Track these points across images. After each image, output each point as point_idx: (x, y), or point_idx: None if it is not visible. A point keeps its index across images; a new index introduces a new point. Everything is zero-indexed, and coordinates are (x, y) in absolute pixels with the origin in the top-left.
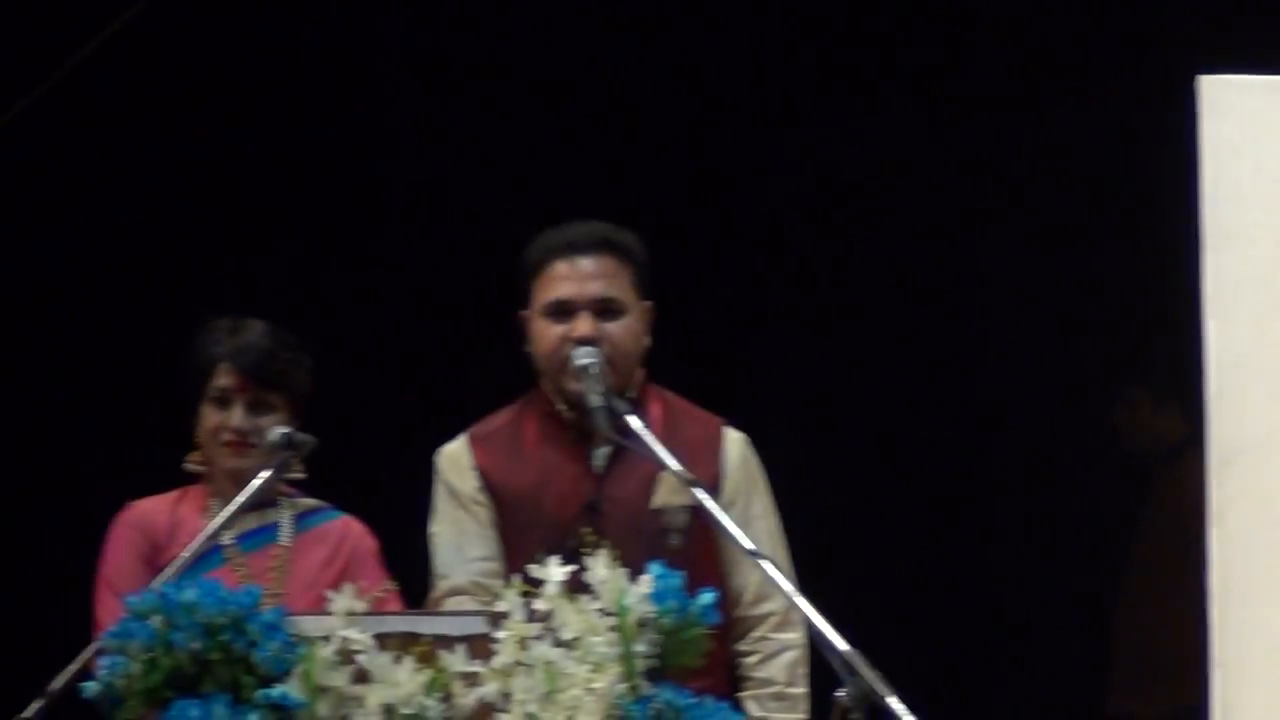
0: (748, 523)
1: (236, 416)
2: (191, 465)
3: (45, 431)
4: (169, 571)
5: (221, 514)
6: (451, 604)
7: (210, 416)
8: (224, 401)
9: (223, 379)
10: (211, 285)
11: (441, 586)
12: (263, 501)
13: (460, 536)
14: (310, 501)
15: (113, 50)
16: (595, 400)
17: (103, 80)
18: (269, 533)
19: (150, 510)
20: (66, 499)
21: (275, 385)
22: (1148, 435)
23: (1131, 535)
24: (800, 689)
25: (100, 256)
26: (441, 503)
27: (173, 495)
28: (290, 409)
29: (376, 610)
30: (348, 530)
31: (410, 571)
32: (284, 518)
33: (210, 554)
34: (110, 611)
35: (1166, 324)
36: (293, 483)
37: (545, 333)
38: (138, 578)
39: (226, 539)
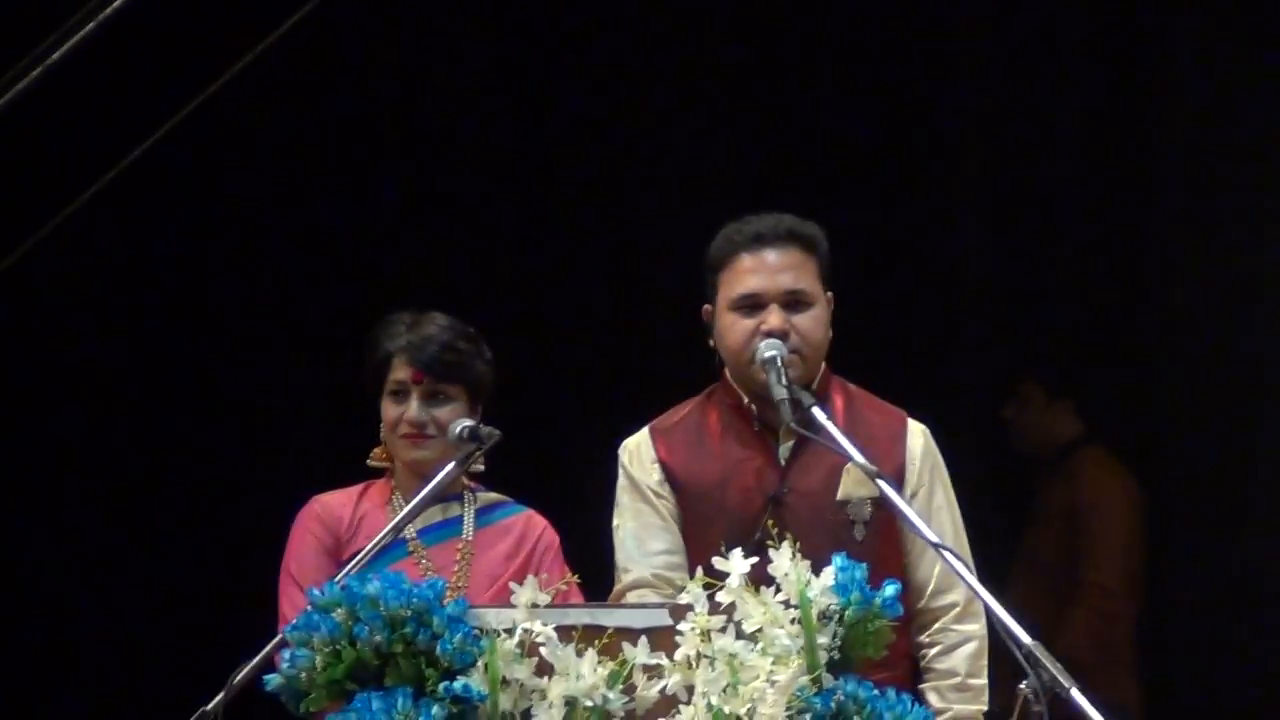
0: (930, 514)
1: (413, 408)
2: (374, 461)
3: (233, 425)
4: (352, 564)
5: (407, 507)
6: (634, 597)
7: (389, 409)
8: (401, 394)
9: (399, 372)
10: (398, 279)
11: (624, 580)
12: (446, 495)
13: (643, 530)
14: (493, 496)
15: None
16: (780, 392)
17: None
18: (452, 526)
19: (334, 504)
20: (251, 493)
21: (451, 377)
22: (1039, 432)
23: (1022, 533)
24: (981, 680)
25: (289, 248)
26: (624, 496)
27: (356, 489)
28: (468, 400)
29: (559, 603)
30: (530, 524)
31: (591, 565)
32: (467, 512)
33: (394, 547)
34: (294, 604)
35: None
36: (475, 476)
37: (734, 326)
38: (321, 571)
39: (409, 532)
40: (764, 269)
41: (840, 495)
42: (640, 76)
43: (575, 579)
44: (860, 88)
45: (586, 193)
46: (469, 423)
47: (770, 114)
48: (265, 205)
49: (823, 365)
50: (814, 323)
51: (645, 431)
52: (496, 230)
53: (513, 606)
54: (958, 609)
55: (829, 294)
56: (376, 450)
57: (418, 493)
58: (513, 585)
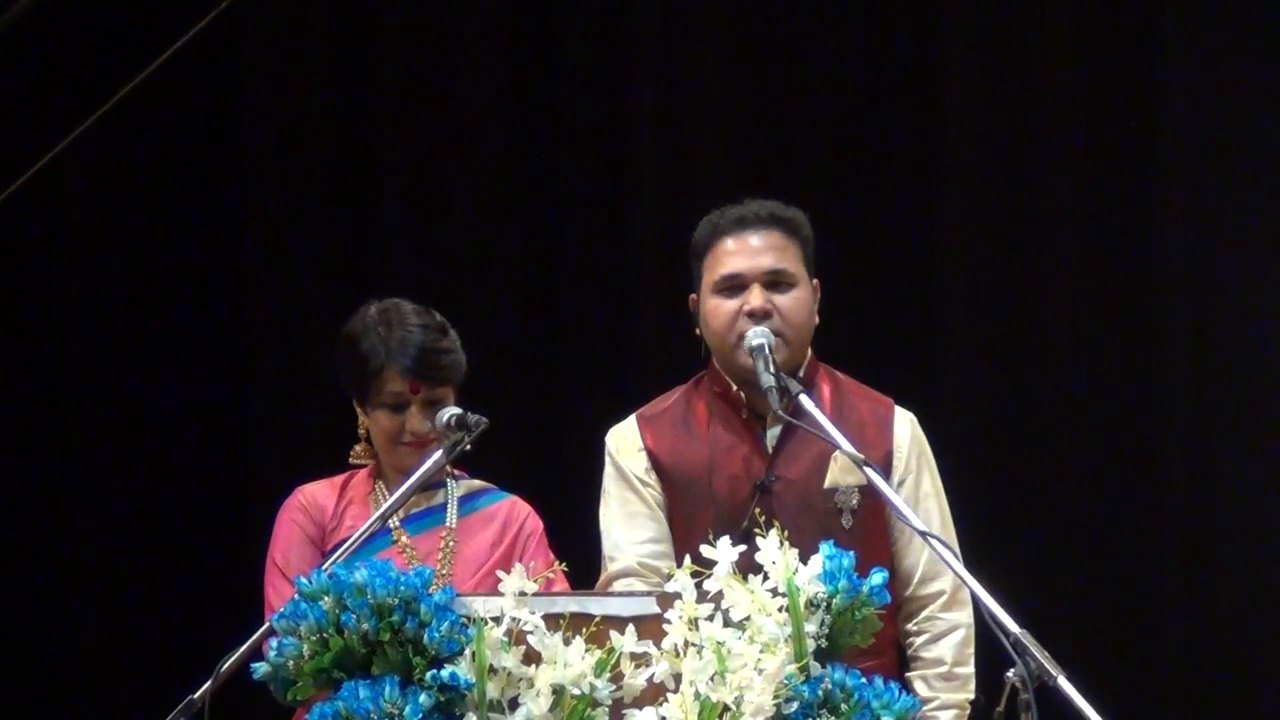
0: (917, 501)
1: (414, 421)
2: (356, 460)
3: (214, 414)
4: (339, 553)
5: (394, 496)
6: (620, 586)
7: (385, 420)
8: (398, 407)
9: (394, 384)
10: (383, 267)
11: (610, 569)
12: (430, 483)
13: (629, 518)
14: (477, 483)
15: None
16: (768, 380)
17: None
18: (436, 514)
19: (317, 494)
20: (235, 482)
21: (445, 381)
22: None
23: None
24: (968, 668)
25: (269, 239)
26: (610, 484)
27: (339, 479)
28: (456, 394)
29: (546, 591)
30: (514, 511)
31: (578, 554)
32: (450, 499)
33: (378, 535)
34: (280, 594)
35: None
36: (458, 463)
37: (717, 309)
38: (306, 561)
39: (394, 521)
40: (746, 250)
41: (828, 483)
42: (628, 70)
43: (563, 567)
44: (848, 71)
45: (574, 183)
46: (456, 411)
47: (757, 104)
48: (257, 198)
49: (809, 352)
50: (796, 303)
51: (632, 420)
52: (484, 219)
53: (499, 594)
54: (945, 597)
55: (815, 280)
56: (357, 448)
57: (401, 481)
58: (500, 574)
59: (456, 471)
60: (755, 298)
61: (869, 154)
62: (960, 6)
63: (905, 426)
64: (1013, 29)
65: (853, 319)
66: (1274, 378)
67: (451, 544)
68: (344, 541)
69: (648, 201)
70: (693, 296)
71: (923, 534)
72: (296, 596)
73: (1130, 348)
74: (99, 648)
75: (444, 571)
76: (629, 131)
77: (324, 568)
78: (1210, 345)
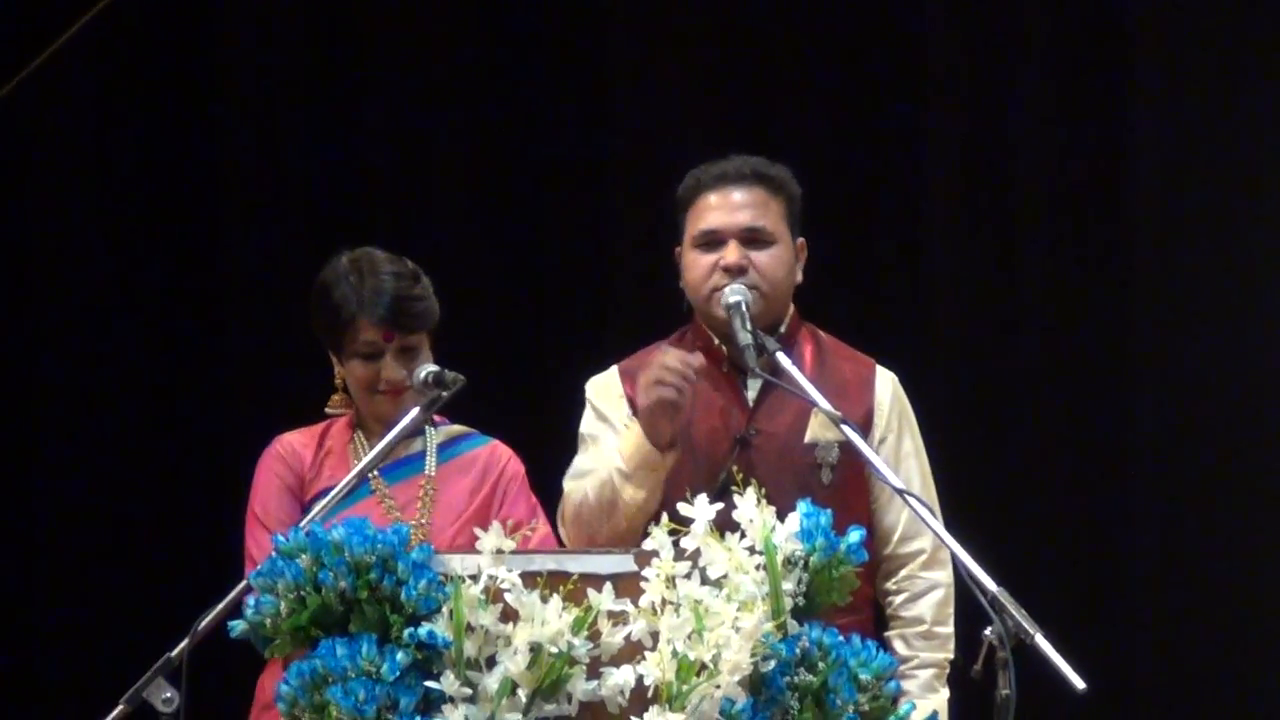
0: (898, 461)
1: (389, 368)
2: (333, 410)
3: (191, 367)
4: (317, 509)
5: (370, 454)
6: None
7: (360, 369)
8: (372, 356)
9: (367, 333)
10: (364, 222)
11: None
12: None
13: (606, 450)
14: (456, 429)
15: None
16: (744, 338)
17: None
18: (415, 463)
19: (296, 443)
20: (212, 436)
21: (418, 328)
22: None
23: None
24: (948, 628)
25: (244, 190)
26: (590, 427)
27: (318, 428)
28: (430, 341)
29: (525, 548)
30: (494, 455)
31: (557, 505)
32: (430, 446)
33: (356, 487)
34: (260, 546)
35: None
36: (441, 410)
37: (695, 262)
38: (286, 511)
39: (372, 473)
40: (725, 206)
41: (808, 438)
42: (608, 31)
43: (542, 518)
44: (834, 37)
45: (555, 137)
46: (433, 368)
47: (740, 62)
48: (233, 151)
49: (791, 309)
50: (774, 261)
51: (614, 370)
52: (463, 171)
53: (478, 551)
54: (924, 556)
55: (800, 239)
56: (334, 398)
57: (381, 431)
58: (477, 530)
59: (437, 418)
60: (731, 254)
61: (854, 116)
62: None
63: (887, 386)
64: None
65: (839, 280)
66: (1242, 332)
67: (431, 491)
68: (324, 493)
69: (627, 156)
70: (677, 249)
71: (900, 492)
72: (274, 553)
73: (1106, 310)
74: (74, 606)
75: (423, 520)
76: (609, 83)
77: (301, 525)
78: (1182, 304)
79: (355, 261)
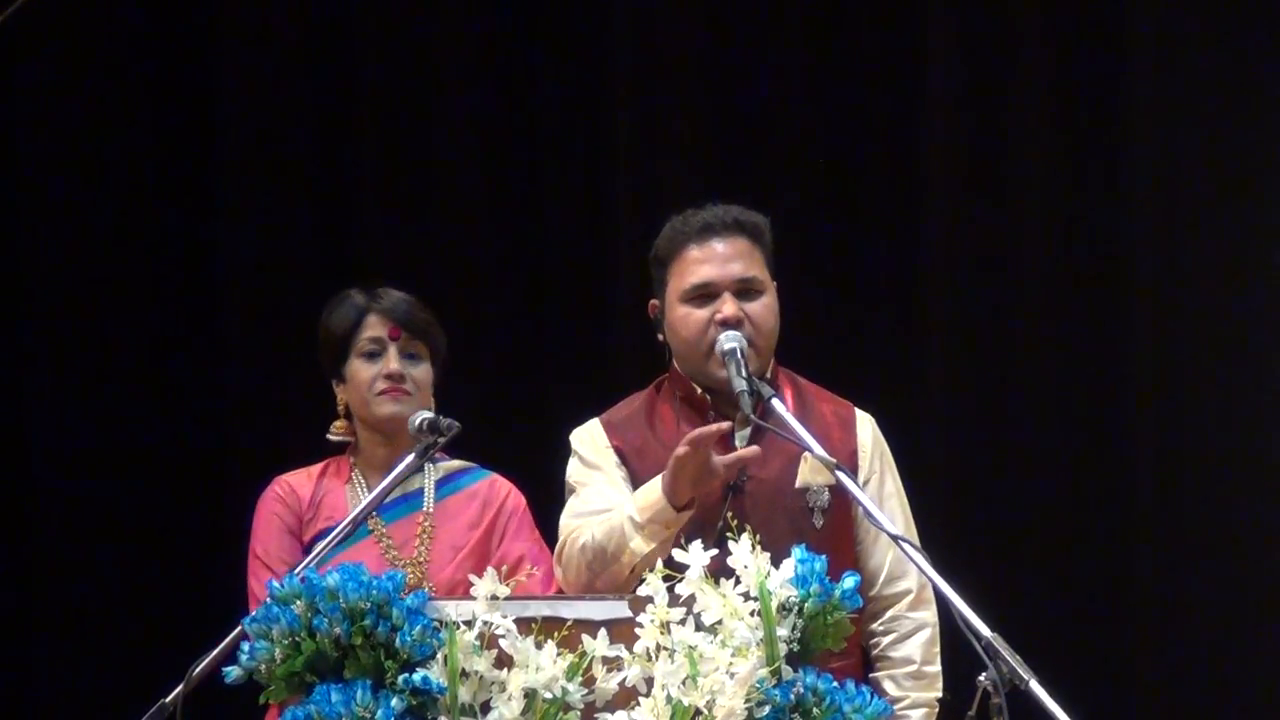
0: (880, 502)
1: (392, 361)
2: (335, 435)
3: (191, 405)
4: (315, 552)
5: (367, 499)
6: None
7: (363, 369)
8: (375, 353)
9: (373, 329)
10: (356, 264)
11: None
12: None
13: (600, 491)
14: (455, 464)
15: None
16: (740, 384)
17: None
18: (413, 500)
19: (295, 483)
20: (210, 480)
21: (423, 335)
22: None
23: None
24: (935, 667)
25: (246, 230)
26: (578, 475)
27: (317, 467)
28: (433, 363)
29: (525, 589)
30: (494, 489)
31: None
32: (427, 483)
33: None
34: (264, 585)
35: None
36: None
37: (687, 318)
38: (287, 551)
39: (372, 512)
40: (714, 258)
41: (799, 483)
42: (607, 73)
43: (536, 571)
44: (827, 73)
45: (553, 185)
46: (429, 414)
47: (734, 108)
48: (236, 191)
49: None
50: (766, 310)
51: (596, 422)
52: (463, 214)
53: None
54: (910, 596)
55: (775, 283)
56: (336, 424)
57: (379, 469)
58: (472, 578)
59: (435, 453)
60: (728, 307)
61: (847, 157)
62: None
63: (867, 428)
64: (991, 25)
65: (829, 325)
66: (1240, 380)
67: (430, 528)
68: (324, 534)
69: (625, 202)
70: (654, 302)
71: (894, 538)
72: (269, 599)
73: (1101, 356)
74: (70, 648)
75: (421, 558)
76: (608, 133)
77: (297, 571)
78: (1177, 350)
79: (365, 286)
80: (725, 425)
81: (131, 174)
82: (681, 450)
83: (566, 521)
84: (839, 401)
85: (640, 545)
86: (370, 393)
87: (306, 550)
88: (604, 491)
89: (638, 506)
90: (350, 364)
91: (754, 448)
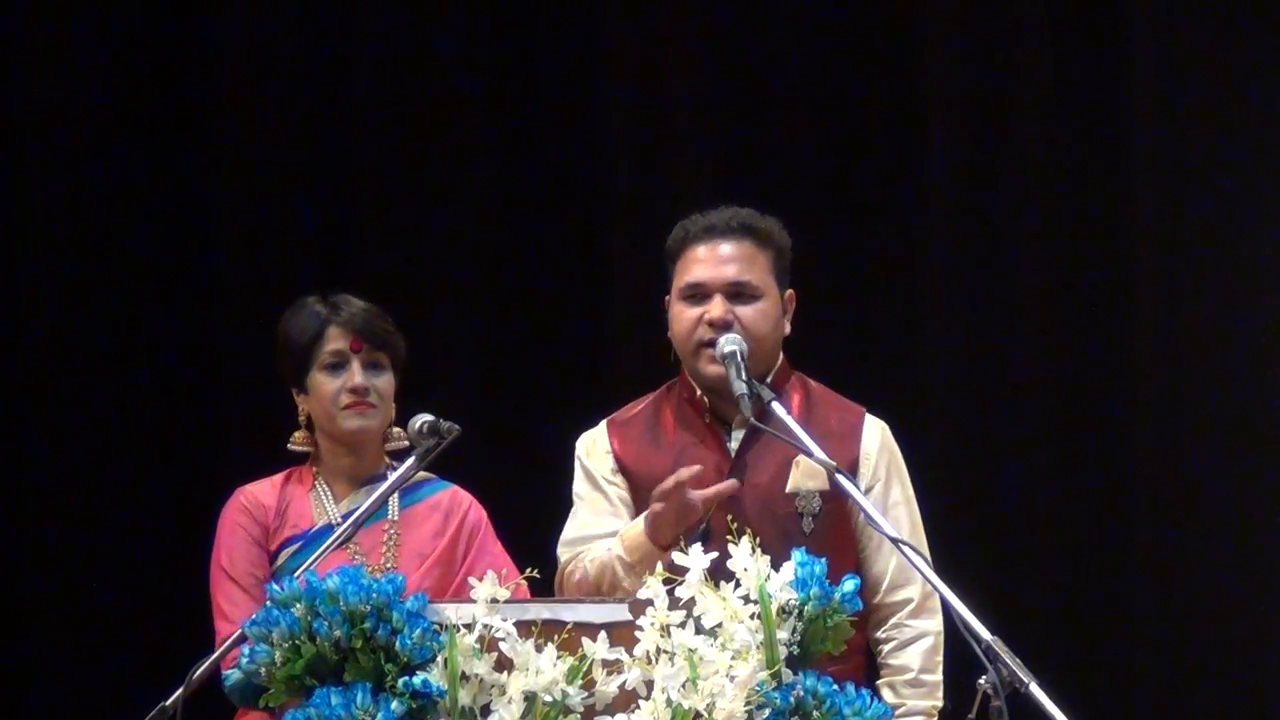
0: (886, 509)
1: (356, 375)
2: (295, 445)
3: (191, 406)
4: (312, 560)
5: (368, 500)
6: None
7: (326, 383)
8: (338, 366)
9: (335, 342)
10: (350, 271)
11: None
12: (370, 478)
13: (594, 515)
14: (419, 474)
15: None
16: (739, 387)
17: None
18: (378, 509)
19: (259, 493)
20: (205, 485)
21: (385, 345)
22: None
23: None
24: (936, 676)
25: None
26: (579, 487)
27: (279, 477)
28: (394, 372)
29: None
30: (455, 501)
31: (547, 558)
32: (392, 493)
33: (321, 535)
34: (230, 599)
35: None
36: (396, 454)
37: (680, 315)
38: (252, 563)
39: (336, 519)
40: (712, 259)
41: (789, 487)
42: (604, 74)
43: (535, 573)
44: (828, 77)
45: (551, 190)
46: (429, 417)
47: (734, 108)
48: (228, 194)
49: (780, 359)
50: (758, 315)
51: (602, 424)
52: (459, 219)
53: (447, 586)
54: (913, 604)
55: (789, 291)
56: (296, 435)
57: (343, 477)
58: (471, 580)
59: (395, 464)
60: (716, 308)
61: (849, 161)
62: (940, 16)
63: (875, 434)
64: (991, 27)
65: (833, 328)
66: (1241, 382)
67: (395, 536)
68: (290, 540)
69: (622, 207)
70: (666, 298)
71: (893, 540)
72: (269, 603)
73: (1101, 356)
74: (70, 650)
75: (388, 565)
76: (604, 131)
77: (297, 574)
78: (1178, 351)
79: (321, 294)
80: (696, 469)
81: (129, 174)
82: (657, 507)
83: (562, 549)
84: (850, 407)
85: (633, 583)
86: (335, 407)
87: (273, 560)
88: (597, 515)
89: (625, 547)
90: (312, 376)
91: (732, 481)
